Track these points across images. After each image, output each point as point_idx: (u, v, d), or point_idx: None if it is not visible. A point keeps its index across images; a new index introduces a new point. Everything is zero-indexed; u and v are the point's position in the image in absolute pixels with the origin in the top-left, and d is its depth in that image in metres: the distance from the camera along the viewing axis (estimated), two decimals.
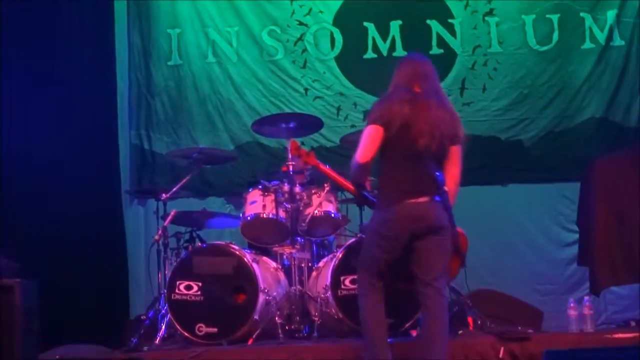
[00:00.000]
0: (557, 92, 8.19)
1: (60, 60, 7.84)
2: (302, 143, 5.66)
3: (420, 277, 4.88)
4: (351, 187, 5.37)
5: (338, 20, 8.39)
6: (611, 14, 8.23)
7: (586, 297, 5.98)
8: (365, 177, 5.22)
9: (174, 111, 8.34)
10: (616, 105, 8.13)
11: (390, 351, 4.89)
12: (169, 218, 6.30)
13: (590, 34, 8.25)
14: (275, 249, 6.40)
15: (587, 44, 8.25)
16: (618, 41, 8.23)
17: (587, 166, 6.50)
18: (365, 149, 4.83)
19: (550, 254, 7.92)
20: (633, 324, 6.31)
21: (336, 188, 6.19)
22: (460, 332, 5.79)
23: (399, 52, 8.28)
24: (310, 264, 6.34)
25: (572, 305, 5.84)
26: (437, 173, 4.87)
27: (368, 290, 4.91)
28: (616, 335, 5.56)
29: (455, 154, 4.96)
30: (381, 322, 4.88)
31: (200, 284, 5.87)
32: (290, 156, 6.17)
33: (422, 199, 4.81)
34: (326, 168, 5.46)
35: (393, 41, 8.32)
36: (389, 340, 4.95)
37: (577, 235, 7.08)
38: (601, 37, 8.24)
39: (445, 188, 4.88)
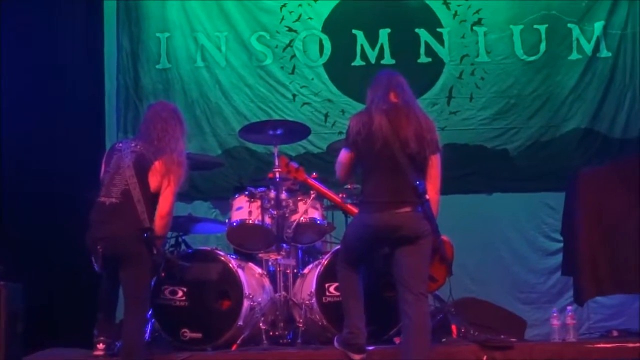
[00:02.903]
0: (544, 102, 8.24)
1: (51, 61, 7.83)
2: (291, 158, 5.75)
3: (401, 284, 5.03)
4: (339, 200, 5.86)
5: (327, 27, 8.42)
6: (598, 26, 8.29)
7: (569, 307, 6.02)
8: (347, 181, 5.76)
9: None
10: (601, 116, 8.19)
11: (364, 320, 5.22)
12: None
13: (577, 45, 8.31)
14: (260, 255, 6.41)
15: (574, 55, 8.31)
16: (605, 52, 8.29)
17: (572, 176, 6.54)
18: (340, 173, 5.34)
19: (533, 263, 7.98)
20: (615, 333, 6.36)
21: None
22: (444, 339, 5.82)
23: (388, 60, 8.32)
24: (295, 271, 6.35)
25: (555, 314, 5.88)
26: (418, 182, 4.97)
27: (343, 268, 5.32)
28: (598, 345, 5.62)
29: (436, 162, 5.12)
30: (355, 293, 5.25)
31: (185, 289, 5.87)
32: (276, 163, 6.25)
33: (403, 209, 4.97)
34: (315, 183, 5.67)
35: (382, 49, 8.36)
36: (364, 318, 5.25)
37: (560, 245, 7.12)
38: (588, 48, 8.29)
39: (427, 197, 4.99)
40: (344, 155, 5.22)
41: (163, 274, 5.34)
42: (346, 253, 5.31)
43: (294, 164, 5.90)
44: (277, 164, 6.27)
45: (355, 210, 5.66)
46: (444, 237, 5.28)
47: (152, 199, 5.23)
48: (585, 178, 6.35)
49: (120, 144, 5.46)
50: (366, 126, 5.04)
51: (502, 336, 5.76)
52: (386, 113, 5.04)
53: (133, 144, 5.37)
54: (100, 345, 5.51)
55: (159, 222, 5.21)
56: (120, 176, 5.24)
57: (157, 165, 5.26)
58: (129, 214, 5.14)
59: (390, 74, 5.34)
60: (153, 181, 5.25)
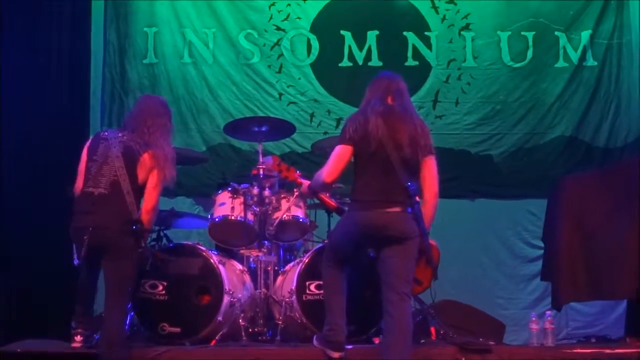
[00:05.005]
0: (529, 108, 8.28)
1: (37, 53, 7.80)
2: (281, 160, 5.74)
3: (385, 284, 5.03)
4: (328, 201, 5.71)
5: (315, 27, 8.43)
6: (585, 35, 8.34)
7: (548, 312, 6.05)
8: (326, 192, 5.60)
9: None
10: (586, 124, 8.24)
11: (345, 318, 5.20)
12: None
13: (564, 53, 8.35)
14: (242, 251, 6.41)
15: (561, 63, 8.35)
16: (591, 61, 8.34)
17: (555, 183, 6.57)
18: (332, 168, 5.10)
19: (513, 269, 8.02)
20: (593, 340, 6.39)
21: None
22: (423, 341, 5.82)
23: (375, 62, 8.33)
24: (276, 268, 6.35)
25: (533, 319, 5.90)
26: (410, 184, 4.98)
27: (328, 266, 5.27)
28: (576, 350, 5.64)
29: (430, 165, 5.11)
30: (338, 290, 5.22)
31: (165, 283, 5.85)
32: (260, 160, 6.25)
33: (393, 209, 4.97)
34: (306, 183, 5.61)
35: (369, 51, 8.38)
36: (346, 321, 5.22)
37: (541, 252, 7.14)
38: (574, 56, 8.34)
39: (417, 199, 5.01)
40: (342, 149, 5.07)
41: (148, 268, 5.32)
42: (333, 250, 5.29)
43: (286, 164, 5.88)
44: (262, 161, 6.27)
45: (337, 207, 5.66)
46: (431, 241, 5.29)
47: (139, 192, 5.19)
48: (568, 185, 6.38)
49: (106, 133, 5.38)
50: (362, 127, 5.03)
51: (480, 339, 5.78)
52: (382, 115, 5.04)
53: (120, 134, 5.30)
54: (78, 337, 5.48)
55: (145, 216, 5.16)
56: (109, 166, 5.17)
57: (146, 157, 5.20)
58: (118, 206, 5.09)
59: (391, 77, 5.29)
60: (141, 174, 5.19)
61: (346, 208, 5.49)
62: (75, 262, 5.14)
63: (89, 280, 5.36)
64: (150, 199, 5.19)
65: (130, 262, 5.12)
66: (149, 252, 5.22)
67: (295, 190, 6.19)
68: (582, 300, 6.62)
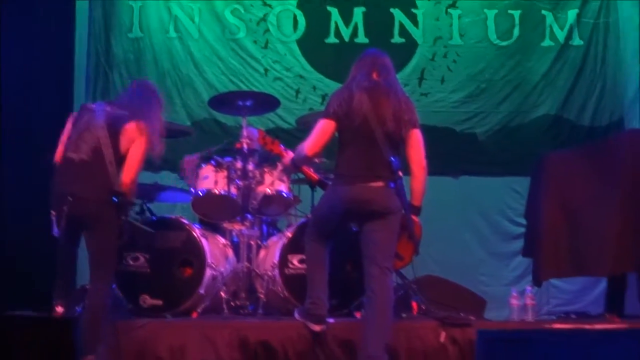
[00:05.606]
0: (514, 87, 8.29)
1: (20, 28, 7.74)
2: (266, 131, 5.73)
3: (367, 258, 5.04)
4: (311, 174, 5.74)
5: (302, 3, 8.41)
6: (572, 14, 8.35)
7: (528, 288, 6.09)
8: (307, 164, 5.59)
9: None
10: (571, 103, 8.26)
11: (327, 293, 5.22)
12: None
13: (550, 32, 8.36)
14: (225, 225, 6.40)
15: (547, 42, 8.36)
16: (577, 41, 8.35)
17: (538, 159, 6.58)
18: (315, 142, 5.11)
19: (496, 246, 8.05)
20: (573, 316, 6.43)
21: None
22: (404, 315, 5.85)
23: (361, 38, 8.31)
24: (259, 242, 6.35)
25: (514, 294, 5.94)
26: (393, 159, 4.98)
27: (312, 240, 5.28)
28: (556, 326, 5.68)
29: (415, 138, 5.12)
30: (320, 264, 5.24)
31: (147, 255, 5.85)
32: (244, 134, 6.22)
33: (375, 184, 4.98)
34: (290, 155, 5.58)
35: (355, 27, 8.36)
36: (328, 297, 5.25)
37: (523, 229, 7.16)
38: (561, 35, 8.34)
39: (400, 174, 5.00)
40: (325, 123, 5.07)
41: (126, 239, 5.27)
42: (316, 225, 5.29)
43: (271, 137, 5.87)
44: (246, 134, 6.26)
45: (320, 180, 5.67)
46: (414, 216, 5.30)
47: (122, 163, 5.07)
48: (551, 161, 6.40)
49: (93, 105, 5.31)
50: (346, 102, 5.02)
51: (461, 314, 5.80)
52: (367, 90, 5.04)
53: (108, 108, 5.25)
54: (59, 308, 5.47)
55: (126, 187, 5.05)
56: (92, 134, 5.04)
57: (130, 127, 5.09)
58: (100, 175, 4.98)
59: (377, 54, 5.29)
60: (124, 143, 5.07)
61: (329, 182, 5.49)
62: (55, 231, 5.05)
63: (69, 252, 5.32)
64: (131, 169, 5.08)
65: (111, 235, 5.05)
66: (129, 225, 5.15)
67: (278, 164, 6.18)
68: (562, 276, 6.67)
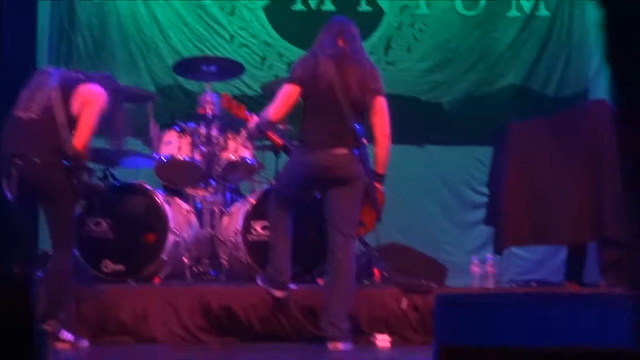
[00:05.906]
0: (480, 57, 8.27)
1: None
2: (234, 97, 5.69)
3: (330, 225, 5.07)
4: (276, 139, 5.79)
5: None
6: None
7: (489, 256, 6.15)
8: (271, 129, 5.63)
9: (96, 48, 8.14)
10: (536, 74, 8.26)
11: (289, 259, 5.25)
12: None
13: (516, 3, 8.33)
14: (188, 191, 6.39)
15: (513, 12, 8.34)
16: (543, 12, 8.34)
17: (502, 129, 6.62)
18: (279, 106, 5.13)
19: (459, 215, 8.07)
20: (534, 284, 6.51)
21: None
22: (366, 282, 5.89)
23: (328, 6, 8.24)
24: (222, 208, 6.34)
25: (475, 262, 6.00)
26: (357, 126, 5.00)
27: (275, 207, 5.31)
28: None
29: (380, 106, 5.14)
30: (283, 231, 5.26)
31: (109, 221, 5.83)
32: (207, 99, 6.21)
33: (339, 151, 4.99)
34: (255, 120, 5.57)
35: None
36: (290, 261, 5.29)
37: (487, 199, 7.21)
38: (527, 6, 8.33)
39: (364, 140, 5.03)
40: (289, 88, 5.09)
41: (86, 204, 5.22)
42: (280, 192, 5.31)
43: (236, 101, 5.85)
44: (207, 99, 6.23)
45: (284, 144, 5.69)
46: (377, 184, 5.32)
47: (74, 126, 4.95)
48: (515, 130, 6.44)
49: (51, 69, 5.25)
50: (311, 68, 5.04)
51: (422, 281, 5.84)
52: (332, 57, 5.06)
53: (66, 72, 5.18)
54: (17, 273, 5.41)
55: (77, 150, 4.90)
56: (43, 94, 4.93)
57: (84, 87, 5.02)
58: (49, 136, 4.86)
59: (343, 22, 5.32)
60: (76, 105, 4.96)
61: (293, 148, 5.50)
62: (8, 196, 4.93)
63: (24, 218, 5.25)
64: (83, 133, 4.94)
65: (65, 199, 4.95)
66: (84, 188, 5.01)
67: (242, 130, 6.16)
68: (523, 244, 6.73)
